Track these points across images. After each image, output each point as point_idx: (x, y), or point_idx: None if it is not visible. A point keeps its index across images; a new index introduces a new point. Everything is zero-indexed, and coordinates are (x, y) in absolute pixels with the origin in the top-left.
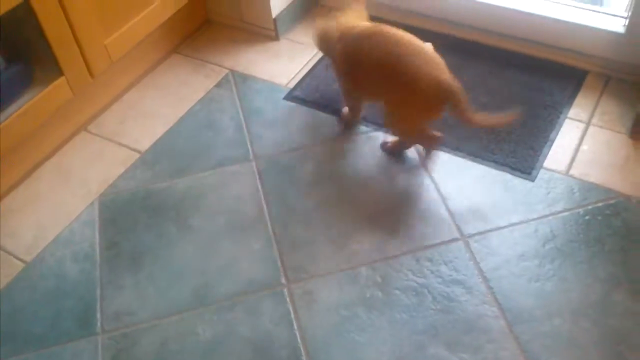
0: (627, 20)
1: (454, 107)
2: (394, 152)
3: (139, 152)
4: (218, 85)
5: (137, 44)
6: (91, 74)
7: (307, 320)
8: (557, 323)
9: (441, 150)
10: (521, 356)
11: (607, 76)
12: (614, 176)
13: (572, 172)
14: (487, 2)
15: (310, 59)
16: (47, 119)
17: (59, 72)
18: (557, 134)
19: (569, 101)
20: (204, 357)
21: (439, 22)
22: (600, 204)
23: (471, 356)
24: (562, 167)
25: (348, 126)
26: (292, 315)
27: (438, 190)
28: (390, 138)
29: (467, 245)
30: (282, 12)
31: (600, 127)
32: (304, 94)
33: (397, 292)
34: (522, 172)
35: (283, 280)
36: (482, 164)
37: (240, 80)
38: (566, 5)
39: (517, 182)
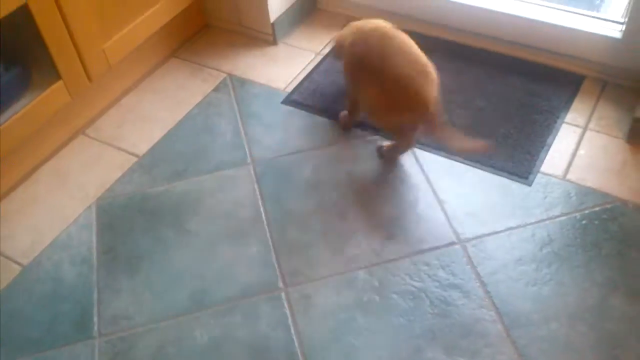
0: (624, 26)
1: (427, 121)
2: (389, 156)
3: (136, 156)
4: (216, 89)
5: (135, 48)
6: (89, 78)
7: (304, 324)
8: (554, 327)
9: (439, 154)
10: None
11: (604, 81)
12: (611, 181)
13: (569, 176)
14: (485, 7)
15: (308, 63)
16: (45, 123)
17: (57, 76)
18: (554, 138)
19: (566, 106)
20: None
21: (437, 27)
22: (597, 209)
23: None
24: (559, 171)
25: (346, 127)
26: (290, 319)
27: (435, 194)
28: (386, 142)
29: (465, 249)
30: (280, 16)
31: (597, 131)
32: (302, 98)
33: (395, 296)
34: (520, 176)
35: (280, 284)
36: (480, 168)
37: (238, 84)
38: (564, 10)
39: (514, 187)
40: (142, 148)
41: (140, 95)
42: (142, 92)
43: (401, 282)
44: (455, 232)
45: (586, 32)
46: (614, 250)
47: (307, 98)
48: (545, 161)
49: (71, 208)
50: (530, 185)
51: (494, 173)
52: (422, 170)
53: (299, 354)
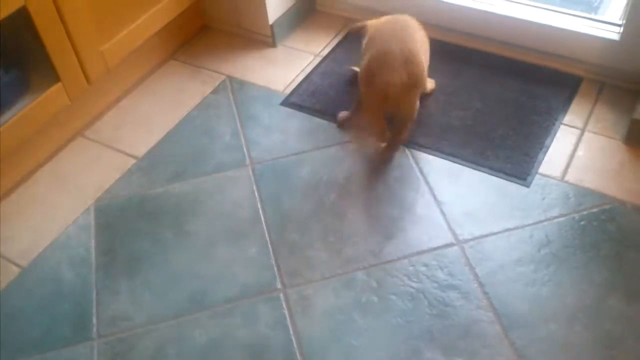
0: (622, 28)
1: (388, 106)
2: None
3: (135, 157)
4: (215, 91)
5: (134, 50)
6: (88, 80)
7: (303, 325)
8: (553, 328)
9: (436, 155)
10: None
11: (602, 83)
12: (609, 182)
13: (567, 177)
14: (482, 9)
15: (306, 65)
16: (44, 125)
17: (56, 79)
18: (552, 140)
19: (564, 107)
20: None
21: (434, 29)
22: (595, 210)
23: None
24: (558, 172)
25: (341, 125)
26: (288, 320)
27: (434, 195)
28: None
29: (463, 250)
30: (278, 18)
31: (595, 133)
32: (301, 100)
33: (393, 297)
34: (518, 177)
35: (279, 285)
36: (478, 169)
37: (237, 86)
38: (562, 12)
39: (512, 188)
40: (141, 150)
41: (138, 97)
42: (141, 94)
43: (399, 283)
44: (453, 233)
45: (584, 34)
46: (612, 251)
47: (305, 100)
48: (544, 162)
49: (70, 210)
50: (528, 186)
51: (492, 174)
52: (420, 172)
53: (298, 355)
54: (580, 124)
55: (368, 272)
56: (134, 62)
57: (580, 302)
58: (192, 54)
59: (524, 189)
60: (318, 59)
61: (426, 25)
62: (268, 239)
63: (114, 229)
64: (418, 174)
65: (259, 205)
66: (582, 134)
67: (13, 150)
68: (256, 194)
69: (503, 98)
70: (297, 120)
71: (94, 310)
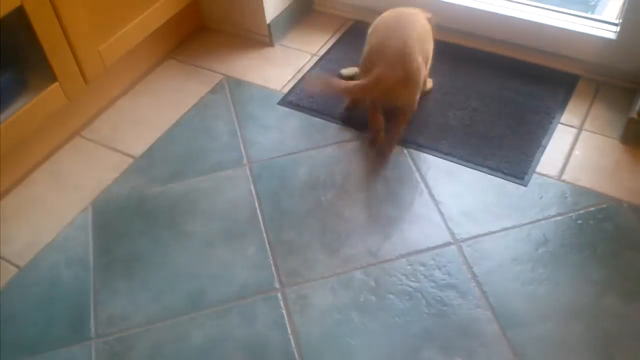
0: (619, 27)
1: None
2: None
3: (133, 157)
4: (212, 90)
5: (131, 49)
6: (85, 80)
7: (301, 324)
8: (550, 326)
9: (434, 155)
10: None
11: (599, 82)
12: (606, 181)
13: (564, 177)
14: (481, 8)
15: (304, 65)
16: (41, 125)
17: (53, 78)
18: (549, 139)
19: (561, 107)
20: None
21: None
22: (592, 209)
23: None
24: (555, 172)
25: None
26: (286, 320)
27: (431, 195)
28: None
29: (461, 249)
30: (276, 17)
31: (592, 132)
32: (298, 99)
33: (391, 296)
34: (515, 177)
35: (277, 285)
36: (475, 169)
37: (235, 85)
38: (559, 12)
39: (510, 187)
40: (139, 149)
41: (136, 97)
42: (138, 93)
43: (397, 282)
44: (451, 232)
45: (581, 33)
46: (608, 249)
47: (303, 99)
48: (541, 161)
49: (67, 209)
50: (525, 185)
51: (489, 173)
52: (418, 171)
53: (296, 354)
54: (577, 123)
55: (366, 272)
56: (132, 61)
57: (577, 300)
58: (190, 53)
59: (521, 188)
60: (315, 59)
61: None
62: (266, 238)
63: (112, 228)
64: (416, 173)
65: (257, 205)
66: (579, 133)
67: (10, 150)
68: (254, 193)
69: (500, 97)
70: (295, 120)
71: (92, 310)
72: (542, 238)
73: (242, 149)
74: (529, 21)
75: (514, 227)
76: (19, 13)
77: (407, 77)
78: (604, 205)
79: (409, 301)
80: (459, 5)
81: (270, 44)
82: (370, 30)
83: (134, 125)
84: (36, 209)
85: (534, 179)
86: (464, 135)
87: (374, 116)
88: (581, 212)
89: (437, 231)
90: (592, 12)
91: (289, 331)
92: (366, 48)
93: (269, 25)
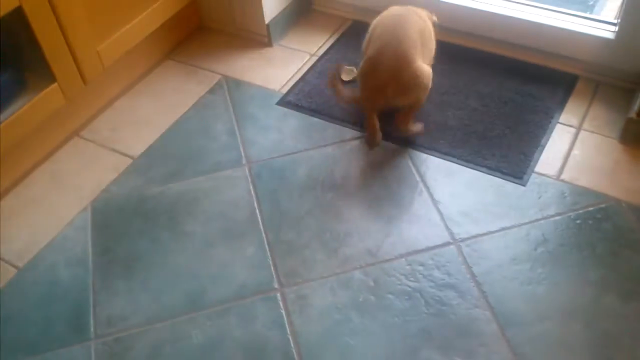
0: (617, 27)
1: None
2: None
3: (131, 157)
4: (211, 91)
5: (130, 50)
6: (84, 81)
7: (300, 324)
8: (549, 326)
9: (433, 155)
10: (513, 359)
11: (598, 82)
12: (605, 180)
13: (563, 176)
14: (479, 8)
15: (302, 65)
16: (40, 125)
17: (52, 79)
18: (548, 139)
19: (560, 106)
20: None
21: None
22: (590, 208)
23: None
24: (554, 171)
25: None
26: (285, 320)
27: (430, 195)
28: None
29: (460, 249)
30: (275, 17)
31: (591, 132)
32: (297, 100)
33: (390, 296)
34: (514, 176)
35: (276, 285)
36: (474, 168)
37: (234, 86)
38: (557, 11)
39: (508, 187)
40: (138, 150)
41: (135, 97)
42: (137, 94)
43: (396, 282)
44: (450, 232)
45: (580, 33)
46: (607, 249)
47: (302, 99)
48: (540, 161)
49: (66, 210)
50: (524, 185)
51: (488, 173)
52: (417, 171)
53: (295, 354)
54: (576, 123)
55: (365, 272)
56: (130, 62)
57: (576, 300)
58: (188, 53)
59: (520, 188)
60: (314, 59)
61: None
62: (265, 238)
63: (111, 229)
64: (415, 173)
65: (256, 205)
66: (577, 133)
67: (10, 150)
68: (253, 193)
69: (499, 97)
70: (294, 120)
71: (91, 310)
72: (541, 238)
73: (241, 149)
74: (527, 21)
75: (512, 226)
76: (18, 13)
77: (407, 85)
78: (603, 205)
79: (408, 301)
80: (458, 5)
81: (269, 44)
82: (368, 35)
83: (133, 126)
84: (35, 210)
85: (533, 179)
86: (463, 135)
87: (371, 117)
88: (580, 211)
89: (436, 231)
90: (591, 12)
91: (288, 331)
92: (364, 58)
93: (267, 25)
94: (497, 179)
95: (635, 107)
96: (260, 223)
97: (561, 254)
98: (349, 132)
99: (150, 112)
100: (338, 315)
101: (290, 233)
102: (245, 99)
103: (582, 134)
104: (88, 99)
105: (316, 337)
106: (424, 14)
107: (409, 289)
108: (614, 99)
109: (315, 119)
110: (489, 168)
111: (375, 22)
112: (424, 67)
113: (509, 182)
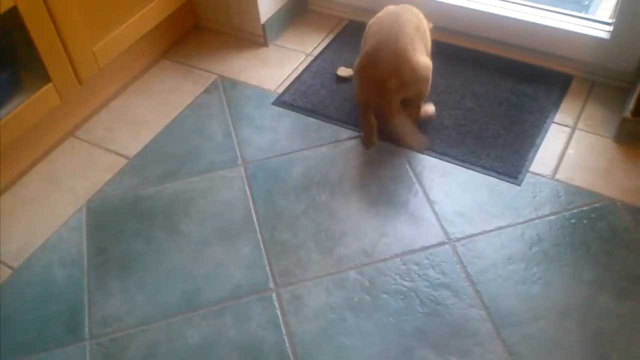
0: (612, 27)
1: (375, 97)
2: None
3: (127, 157)
4: (207, 91)
5: (125, 50)
6: (79, 81)
7: (295, 324)
8: (543, 325)
9: (428, 155)
10: (508, 359)
11: (592, 81)
12: (599, 180)
13: (558, 176)
14: (474, 7)
15: (298, 65)
16: (35, 125)
17: (47, 79)
18: (543, 138)
19: (555, 106)
20: None
21: None
22: (585, 208)
23: (458, 359)
24: (548, 171)
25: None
26: (281, 320)
27: (425, 194)
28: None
29: (454, 249)
30: (270, 17)
31: (586, 131)
32: (292, 100)
33: (385, 295)
34: (509, 176)
35: (271, 285)
36: (469, 168)
37: (229, 85)
38: (552, 11)
39: (503, 187)
40: (133, 150)
41: (130, 97)
42: (133, 94)
43: (391, 281)
44: (445, 231)
45: (575, 33)
46: (602, 248)
47: (297, 99)
48: (535, 161)
49: (61, 210)
50: (519, 184)
51: (483, 173)
52: (413, 171)
53: (290, 354)
54: (570, 123)
55: (360, 271)
56: (126, 62)
57: (570, 299)
58: (184, 53)
59: (515, 188)
60: (310, 59)
61: None
62: (260, 238)
63: (106, 229)
64: (410, 173)
65: (252, 205)
66: (572, 133)
67: (5, 150)
68: (248, 193)
69: (494, 97)
70: (289, 120)
71: (86, 311)
72: (535, 237)
73: (237, 149)
74: (523, 21)
75: (507, 226)
76: (13, 14)
77: (407, 79)
78: (598, 205)
79: (403, 301)
80: (454, 5)
81: (264, 44)
82: (365, 31)
83: (128, 126)
84: (30, 210)
85: (528, 179)
86: (459, 135)
87: (366, 116)
88: (575, 211)
89: (431, 231)
90: (586, 12)
91: (284, 331)
92: (361, 54)
93: (263, 25)
94: (492, 178)
95: (630, 107)
96: (256, 223)
97: (556, 253)
98: (345, 132)
99: (145, 112)
100: (333, 315)
101: (285, 233)
102: (240, 99)
103: (577, 133)
104: (83, 99)
105: (311, 336)
106: (417, 11)
107: (404, 288)
108: (608, 98)
109: (311, 119)
110: (484, 168)
111: (371, 21)
112: (423, 60)
113: (504, 182)
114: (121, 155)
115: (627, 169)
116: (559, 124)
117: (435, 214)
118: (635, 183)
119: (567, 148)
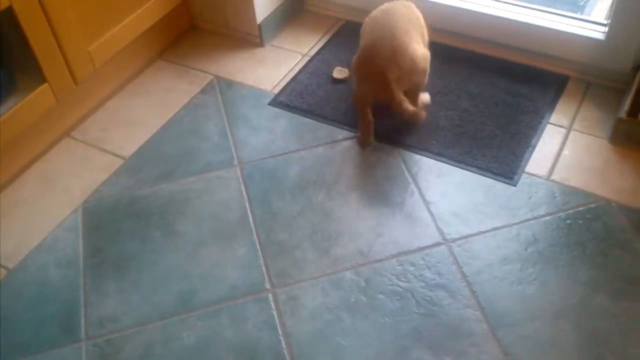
0: (607, 28)
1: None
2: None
3: (123, 158)
4: (203, 91)
5: (121, 50)
6: (75, 81)
7: (291, 325)
8: (539, 326)
9: (424, 155)
10: (503, 359)
11: (588, 82)
12: (595, 181)
13: (553, 176)
14: (470, 8)
15: (294, 65)
16: (31, 126)
17: (43, 79)
18: (538, 139)
19: (551, 107)
20: None
21: None
22: (581, 208)
23: None
24: (544, 171)
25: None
26: (277, 320)
27: (421, 195)
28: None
29: (450, 249)
30: (266, 18)
31: (581, 132)
32: (289, 100)
33: (381, 296)
34: (504, 177)
35: (267, 286)
36: (465, 169)
37: (225, 86)
38: (548, 12)
39: (499, 187)
40: (129, 150)
41: (126, 98)
42: (128, 94)
43: (388, 282)
44: (441, 232)
45: (570, 34)
46: (597, 249)
47: (293, 100)
48: (530, 161)
49: (57, 211)
50: (515, 185)
51: (479, 173)
52: (409, 171)
53: (286, 355)
54: (566, 123)
55: (356, 272)
56: (121, 62)
57: (566, 300)
58: (180, 54)
59: (510, 188)
60: (306, 59)
61: None
62: (256, 239)
63: (102, 230)
64: (406, 173)
65: (248, 206)
66: (568, 133)
67: (0, 151)
68: (244, 194)
69: (490, 98)
70: (285, 120)
71: (82, 311)
72: (531, 238)
73: (233, 150)
74: (519, 22)
75: (503, 227)
76: (8, 14)
77: (405, 70)
78: (593, 205)
79: (399, 301)
80: (449, 6)
81: (260, 44)
82: (362, 28)
83: (124, 126)
84: (26, 211)
85: (524, 179)
86: (454, 136)
87: (364, 116)
88: (570, 211)
89: (427, 231)
90: (581, 13)
91: (280, 332)
92: (359, 50)
93: (259, 25)
94: (487, 179)
95: (625, 108)
96: (252, 223)
97: (551, 254)
98: (341, 133)
99: (141, 113)
100: (329, 315)
101: (281, 233)
102: (237, 100)
103: (573, 134)
104: (79, 100)
105: (308, 337)
106: (410, 3)
107: (400, 289)
108: (604, 99)
109: (307, 120)
110: (480, 168)
111: (366, 20)
112: (420, 50)
113: (500, 183)
114: (117, 156)
115: (622, 169)
116: (555, 124)
117: (431, 214)
118: (631, 184)
119: (562, 149)
